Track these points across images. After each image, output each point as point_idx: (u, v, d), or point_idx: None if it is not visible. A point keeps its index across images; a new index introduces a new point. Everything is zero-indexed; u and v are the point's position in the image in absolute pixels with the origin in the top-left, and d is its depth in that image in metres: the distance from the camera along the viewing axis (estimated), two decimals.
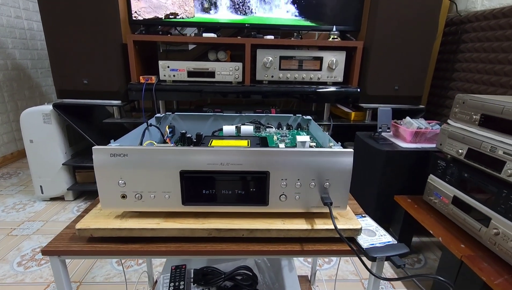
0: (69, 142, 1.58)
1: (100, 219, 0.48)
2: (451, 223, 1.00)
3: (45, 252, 0.45)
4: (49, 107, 1.43)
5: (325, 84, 1.47)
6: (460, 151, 0.96)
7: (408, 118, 1.26)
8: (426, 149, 1.20)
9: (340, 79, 1.46)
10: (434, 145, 1.22)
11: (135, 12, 1.40)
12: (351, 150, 0.46)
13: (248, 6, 1.43)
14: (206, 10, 1.42)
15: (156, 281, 0.95)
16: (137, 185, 0.46)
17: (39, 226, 1.36)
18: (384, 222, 1.27)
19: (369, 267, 0.46)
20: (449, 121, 1.06)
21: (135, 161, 0.44)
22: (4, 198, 1.62)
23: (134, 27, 1.47)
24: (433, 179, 1.09)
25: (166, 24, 1.50)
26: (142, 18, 1.42)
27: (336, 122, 1.53)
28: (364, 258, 0.46)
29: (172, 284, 0.79)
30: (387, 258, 0.47)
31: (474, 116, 0.94)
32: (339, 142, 0.51)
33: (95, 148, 0.44)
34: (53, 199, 1.61)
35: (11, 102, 2.11)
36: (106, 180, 0.45)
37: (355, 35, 1.53)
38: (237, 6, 1.42)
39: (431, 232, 0.98)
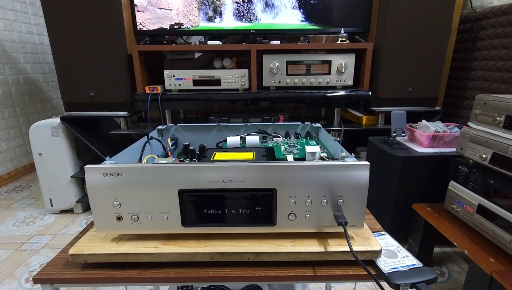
0: (78, 155, 1.58)
1: (95, 243, 0.44)
2: (477, 233, 0.92)
3: (37, 280, 0.42)
4: (57, 120, 1.44)
5: (334, 88, 1.42)
6: (484, 155, 0.89)
7: (424, 121, 1.19)
8: (445, 154, 1.12)
9: (350, 82, 1.41)
10: (453, 150, 1.14)
11: (140, 23, 1.40)
12: (367, 163, 0.41)
13: (253, 13, 1.40)
14: (210, 19, 1.41)
15: None
16: (133, 205, 0.42)
17: (48, 240, 1.36)
18: (402, 232, 1.20)
19: None
20: (469, 123, 0.99)
21: (130, 180, 0.41)
22: (15, 211, 1.63)
23: (139, 37, 1.47)
24: (454, 186, 1.02)
25: (170, 34, 1.49)
26: (146, 29, 1.41)
27: (347, 127, 1.47)
28: (384, 283, 0.41)
29: None
30: (413, 285, 0.42)
31: (498, 118, 0.87)
32: (352, 153, 0.46)
33: (87, 167, 0.41)
34: (62, 211, 1.61)
35: (23, 115, 2.15)
36: (100, 201, 0.42)
37: (364, 37, 1.48)
38: (242, 14, 1.40)
39: (456, 244, 0.91)
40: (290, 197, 0.42)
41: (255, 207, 0.42)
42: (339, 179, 0.41)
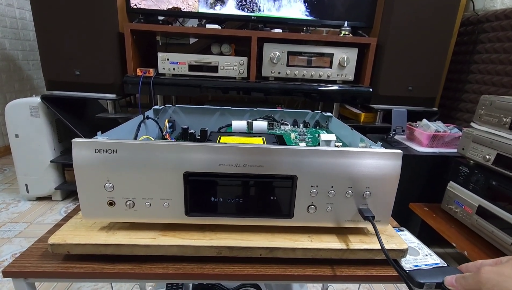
0: (59, 138, 1.47)
1: (81, 232, 0.38)
2: (476, 235, 0.91)
3: (8, 273, 0.35)
4: (37, 99, 1.33)
5: (334, 82, 1.39)
6: (487, 156, 0.88)
7: (425, 120, 1.17)
8: (444, 154, 1.11)
9: (351, 77, 1.37)
10: (452, 150, 1.13)
11: (135, 5, 1.31)
12: (400, 151, 0.37)
13: (256, 3, 1.34)
14: (211, 6, 1.33)
15: None
16: (129, 189, 0.36)
17: (22, 229, 1.25)
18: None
19: None
20: (472, 124, 0.97)
21: (127, 159, 0.35)
22: None
23: (132, 16, 1.37)
24: (453, 187, 1.01)
25: (167, 14, 1.40)
26: (141, 7, 1.32)
27: (345, 124, 1.44)
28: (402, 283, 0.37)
29: None
30: (438, 285, 0.38)
31: (504, 119, 0.86)
32: (378, 142, 0.42)
33: (76, 140, 0.34)
34: (39, 198, 1.50)
35: None
36: (89, 183, 0.35)
37: (367, 32, 1.45)
38: (244, 3, 1.33)
39: (454, 245, 0.89)
40: (312, 186, 0.37)
41: (271, 196, 0.37)
42: (368, 168, 0.36)
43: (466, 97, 1.49)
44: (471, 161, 0.96)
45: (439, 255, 0.44)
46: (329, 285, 0.84)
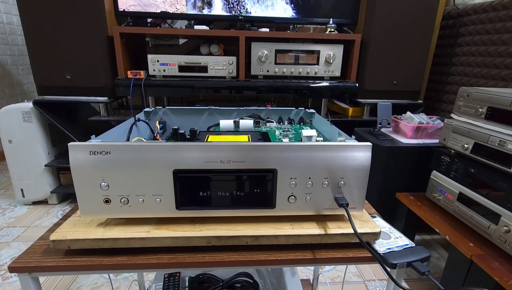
0: (52, 142, 1.48)
1: (80, 228, 0.41)
2: (457, 220, 0.96)
3: (13, 269, 0.38)
4: (29, 104, 1.34)
5: (322, 78, 1.42)
6: (465, 145, 0.92)
7: (409, 113, 1.22)
8: (428, 145, 1.16)
9: (337, 73, 1.41)
10: (435, 141, 1.18)
11: (124, 10, 1.32)
12: (369, 143, 0.40)
13: (243, 6, 1.36)
14: (199, 9, 1.35)
15: None
16: (123, 187, 0.39)
17: (19, 233, 1.27)
18: (385, 220, 1.23)
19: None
20: (452, 115, 1.02)
21: (120, 159, 0.38)
22: None
23: (121, 19, 1.39)
24: (436, 176, 1.05)
25: (155, 17, 1.42)
26: (129, 10, 1.33)
27: (333, 118, 1.48)
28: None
29: None
30: (409, 264, 0.42)
31: (480, 109, 0.90)
32: (353, 136, 0.45)
33: (72, 144, 0.37)
34: (35, 203, 1.51)
35: None
36: (85, 183, 0.38)
37: (352, 28, 1.49)
38: (232, 6, 1.36)
39: (437, 230, 0.94)
40: (291, 178, 0.40)
41: (254, 189, 0.41)
42: (341, 160, 0.40)
43: (449, 88, 1.54)
44: (452, 151, 1.00)
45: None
46: (320, 272, 0.88)
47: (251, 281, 0.73)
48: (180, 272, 0.77)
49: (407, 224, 1.15)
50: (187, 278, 0.77)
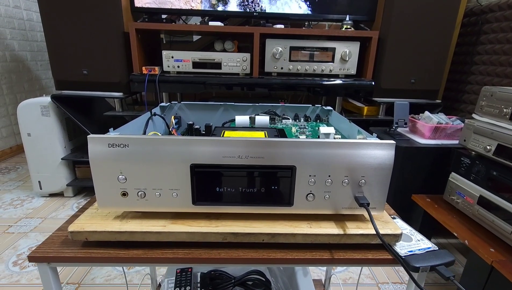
0: (69, 136, 1.51)
1: (97, 221, 0.41)
2: (477, 224, 0.93)
3: (32, 258, 0.39)
4: (47, 99, 1.37)
5: (337, 76, 1.40)
6: (488, 147, 0.89)
7: (427, 113, 1.18)
8: (447, 146, 1.12)
9: (353, 71, 1.38)
10: (454, 142, 1.14)
11: (140, 5, 1.33)
12: (393, 142, 0.39)
13: (258, 3, 1.35)
14: (213, 7, 1.35)
15: (160, 284, 0.89)
16: (140, 181, 0.39)
17: (37, 224, 1.31)
18: None
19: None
20: (474, 115, 0.98)
21: (138, 152, 0.38)
22: (2, 193, 1.56)
23: (136, 15, 1.40)
24: (455, 178, 1.02)
25: (171, 13, 1.42)
26: (145, 7, 1.34)
27: (348, 117, 1.45)
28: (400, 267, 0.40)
29: (177, 289, 0.72)
30: (432, 268, 0.40)
31: (504, 110, 0.86)
32: (374, 134, 0.44)
33: (91, 136, 0.37)
34: (52, 195, 1.55)
35: (10, 94, 2.05)
36: (103, 175, 0.39)
37: (368, 25, 1.45)
38: (246, 3, 1.35)
39: (456, 234, 0.91)
40: (310, 176, 0.39)
41: (272, 185, 0.40)
42: (363, 158, 0.39)
43: (469, 88, 1.48)
44: (473, 152, 0.97)
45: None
46: (332, 273, 0.87)
47: (263, 279, 0.73)
48: (192, 267, 0.78)
49: (423, 226, 1.11)
50: (199, 274, 0.77)
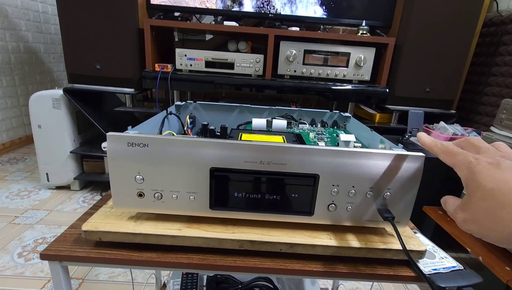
0: (78, 130, 1.51)
1: (111, 220, 0.40)
2: None
3: (45, 256, 0.38)
4: (59, 91, 1.37)
5: (350, 82, 1.38)
6: None
7: (442, 123, 1.16)
8: None
9: (367, 77, 1.36)
10: None
11: (156, 4, 1.33)
12: (422, 154, 0.37)
13: (273, 6, 1.34)
14: (228, 8, 1.34)
15: (165, 285, 0.88)
16: (158, 182, 0.38)
17: (43, 216, 1.31)
18: None
19: None
20: (492, 128, 0.96)
21: (158, 153, 0.36)
22: (9, 183, 1.57)
23: (151, 12, 1.40)
24: None
25: (186, 11, 1.42)
26: (161, 4, 1.34)
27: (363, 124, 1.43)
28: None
29: None
30: (458, 289, 0.38)
31: None
32: (399, 144, 0.42)
33: (110, 134, 0.36)
34: (58, 187, 1.56)
35: (22, 85, 2.06)
36: (121, 174, 0.37)
37: (385, 32, 1.43)
38: (262, 5, 1.34)
39: (469, 250, 0.88)
40: (333, 185, 0.38)
41: (293, 193, 0.38)
42: (390, 170, 0.37)
43: (486, 100, 1.45)
44: None
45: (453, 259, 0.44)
46: (340, 283, 0.85)
47: (271, 286, 0.71)
48: (198, 271, 0.76)
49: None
50: (205, 277, 0.76)
